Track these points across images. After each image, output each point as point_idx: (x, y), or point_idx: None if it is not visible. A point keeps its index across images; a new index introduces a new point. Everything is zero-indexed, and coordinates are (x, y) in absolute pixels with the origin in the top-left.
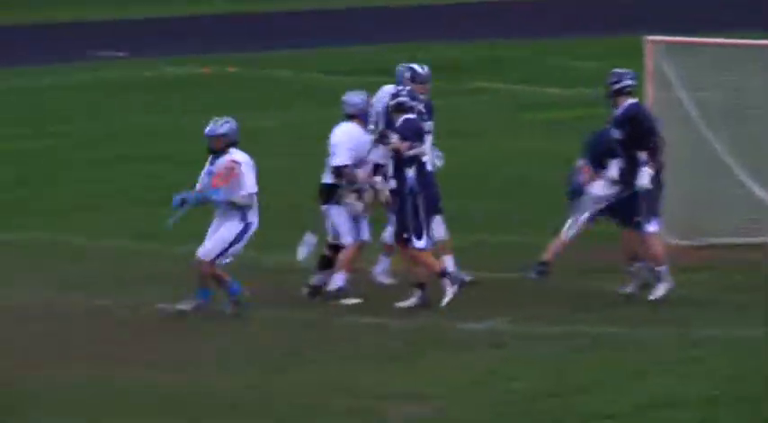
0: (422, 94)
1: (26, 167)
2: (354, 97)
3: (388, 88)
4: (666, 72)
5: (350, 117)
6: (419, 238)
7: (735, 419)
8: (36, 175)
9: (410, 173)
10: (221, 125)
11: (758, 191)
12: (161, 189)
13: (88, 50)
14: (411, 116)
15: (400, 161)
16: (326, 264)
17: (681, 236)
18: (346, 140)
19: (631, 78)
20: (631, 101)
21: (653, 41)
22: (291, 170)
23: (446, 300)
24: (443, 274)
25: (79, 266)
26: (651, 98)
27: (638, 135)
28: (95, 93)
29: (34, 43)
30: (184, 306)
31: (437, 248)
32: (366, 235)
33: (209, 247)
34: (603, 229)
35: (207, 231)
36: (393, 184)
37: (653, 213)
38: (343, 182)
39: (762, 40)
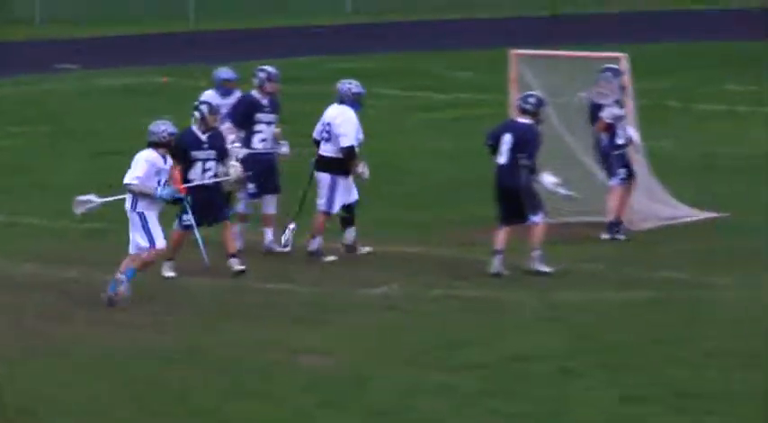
0: (273, 91)
1: None
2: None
3: (209, 93)
4: (529, 81)
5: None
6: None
7: (588, 369)
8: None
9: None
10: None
11: (603, 179)
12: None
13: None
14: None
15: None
16: (348, 222)
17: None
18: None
19: (519, 98)
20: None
21: (516, 54)
22: None
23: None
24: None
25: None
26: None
27: None
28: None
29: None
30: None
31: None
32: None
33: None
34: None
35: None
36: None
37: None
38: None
39: (609, 53)
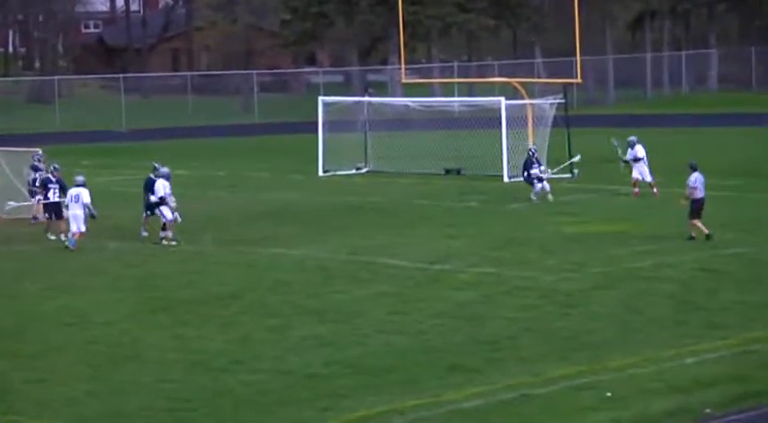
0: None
1: None
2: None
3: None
4: (3, 165)
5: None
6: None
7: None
8: None
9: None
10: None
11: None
12: None
13: None
14: None
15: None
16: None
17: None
18: (161, 187)
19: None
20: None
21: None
22: None
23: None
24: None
25: None
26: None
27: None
28: None
29: None
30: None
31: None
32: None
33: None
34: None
35: None
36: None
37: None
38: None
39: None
